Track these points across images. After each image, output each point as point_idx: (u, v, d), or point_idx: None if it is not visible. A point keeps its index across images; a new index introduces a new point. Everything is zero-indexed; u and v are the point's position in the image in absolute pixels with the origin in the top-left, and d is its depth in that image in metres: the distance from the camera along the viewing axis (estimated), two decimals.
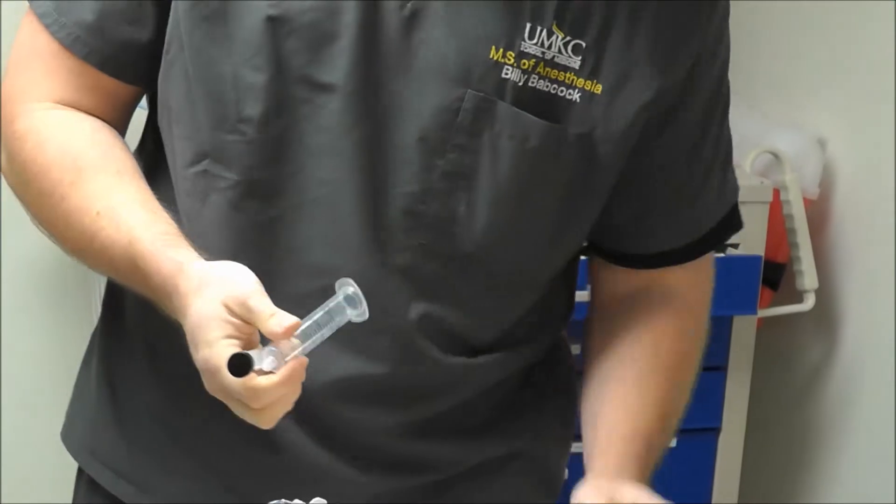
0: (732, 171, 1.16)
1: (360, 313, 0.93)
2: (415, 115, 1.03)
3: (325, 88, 1.02)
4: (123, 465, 1.15)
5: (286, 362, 0.92)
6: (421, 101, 1.03)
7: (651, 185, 1.12)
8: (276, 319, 0.92)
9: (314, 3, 1.00)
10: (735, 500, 1.99)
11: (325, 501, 0.91)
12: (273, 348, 0.90)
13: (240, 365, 0.88)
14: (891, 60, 1.84)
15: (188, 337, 0.97)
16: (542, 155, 1.05)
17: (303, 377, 0.94)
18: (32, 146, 1.07)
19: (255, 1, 1.01)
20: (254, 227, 1.04)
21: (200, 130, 1.06)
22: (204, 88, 1.04)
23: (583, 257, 1.22)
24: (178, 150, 1.08)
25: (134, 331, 1.15)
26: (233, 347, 0.93)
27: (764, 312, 1.90)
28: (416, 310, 1.05)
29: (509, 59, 1.03)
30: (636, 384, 1.14)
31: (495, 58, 1.02)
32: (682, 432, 1.86)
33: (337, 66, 1.01)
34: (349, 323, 0.97)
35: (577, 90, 1.04)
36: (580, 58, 1.04)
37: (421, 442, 1.10)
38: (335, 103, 1.02)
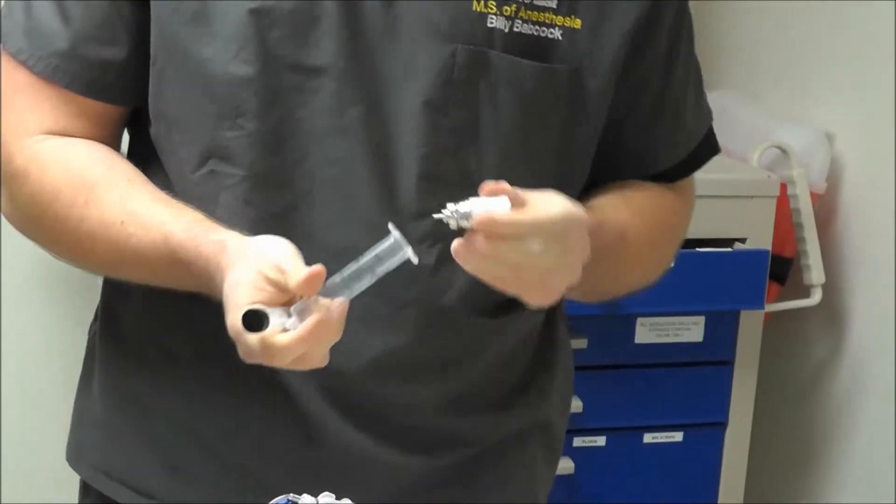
0: (705, 97, 1.21)
1: (414, 253, 0.93)
2: (412, 80, 1.05)
3: (316, 72, 1.04)
4: (144, 479, 1.15)
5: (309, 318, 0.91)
6: (415, 65, 1.05)
7: (634, 107, 1.16)
8: (303, 272, 0.93)
9: None
10: (742, 495, 1.99)
11: (333, 496, 0.91)
12: (300, 305, 0.90)
13: (253, 320, 0.88)
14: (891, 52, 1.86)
15: (225, 307, 0.98)
16: (539, 96, 1.08)
17: (331, 331, 0.94)
18: (36, 177, 1.09)
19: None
20: (268, 219, 1.05)
21: (201, 132, 1.07)
22: (198, 90, 1.06)
23: None
24: (182, 157, 1.10)
25: (143, 342, 1.15)
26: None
27: (771, 307, 1.90)
28: (439, 274, 1.07)
29: (491, 8, 1.05)
30: (627, 206, 1.16)
31: (478, 9, 1.04)
32: (689, 427, 1.89)
33: (324, 48, 1.03)
34: (375, 298, 1.00)
35: (557, 28, 1.07)
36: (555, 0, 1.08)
37: (457, 417, 1.11)
38: (329, 84, 1.04)
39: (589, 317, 1.73)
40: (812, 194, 1.88)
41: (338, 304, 0.93)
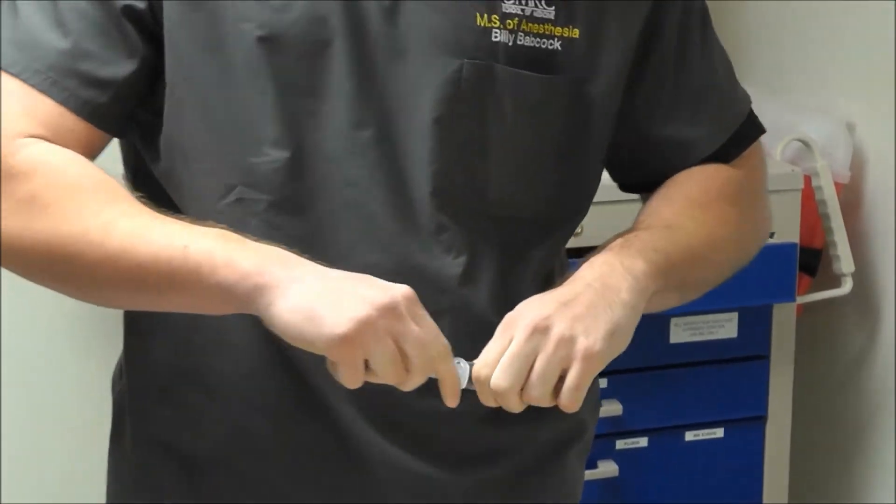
0: (737, 82, 1.19)
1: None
2: (420, 97, 1.05)
3: (328, 95, 1.04)
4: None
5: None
6: (422, 82, 1.05)
7: (657, 104, 1.16)
8: None
9: (299, 15, 1.02)
10: (786, 488, 1.98)
11: None
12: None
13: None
14: None
15: (316, 286, 0.97)
16: (542, 107, 1.08)
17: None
18: (41, 176, 1.04)
19: (244, 25, 1.03)
20: (295, 242, 1.02)
21: (226, 160, 1.07)
22: (220, 119, 1.05)
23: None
24: (204, 188, 1.09)
25: (173, 391, 1.14)
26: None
27: (803, 299, 1.91)
28: (467, 283, 1.07)
29: (495, 22, 1.05)
30: (678, 204, 1.15)
31: (482, 24, 1.04)
32: (729, 423, 1.89)
33: (334, 71, 1.03)
34: (420, 298, 1.00)
35: (556, 39, 1.07)
36: (553, 7, 1.06)
37: (497, 428, 1.10)
38: (341, 107, 1.03)
39: None
40: (836, 184, 1.88)
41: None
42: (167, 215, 1.02)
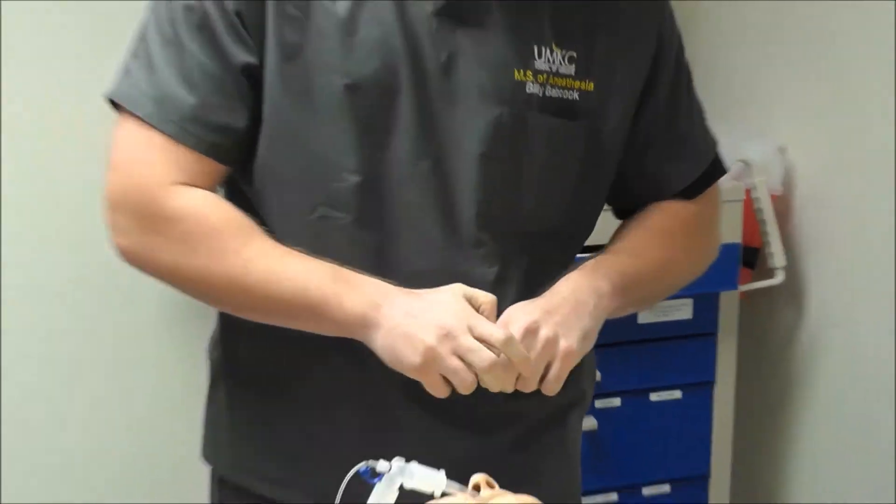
0: (709, 129, 1.27)
1: None
2: (468, 137, 1.12)
3: (395, 132, 1.11)
4: (266, 469, 1.20)
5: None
6: (471, 125, 1.12)
7: (650, 143, 1.22)
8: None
9: (376, 67, 1.09)
10: (730, 436, 2.17)
11: (403, 460, 0.95)
12: None
13: None
14: (831, 81, 2.03)
15: (406, 314, 1.06)
16: (564, 146, 1.16)
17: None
18: (195, 219, 1.10)
19: (332, 75, 1.09)
20: (369, 252, 1.12)
21: (312, 184, 1.13)
22: (308, 150, 1.12)
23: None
24: (290, 206, 1.14)
25: (257, 367, 1.21)
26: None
27: (744, 287, 2.07)
28: (496, 284, 1.15)
29: (529, 77, 1.14)
30: (644, 234, 1.23)
31: (518, 78, 1.13)
32: (685, 386, 2.04)
33: (401, 114, 1.11)
34: None
35: (575, 90, 1.15)
36: (573, 66, 1.14)
37: (515, 400, 1.14)
38: (405, 143, 1.11)
39: None
40: (772, 196, 2.05)
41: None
42: (293, 250, 1.09)
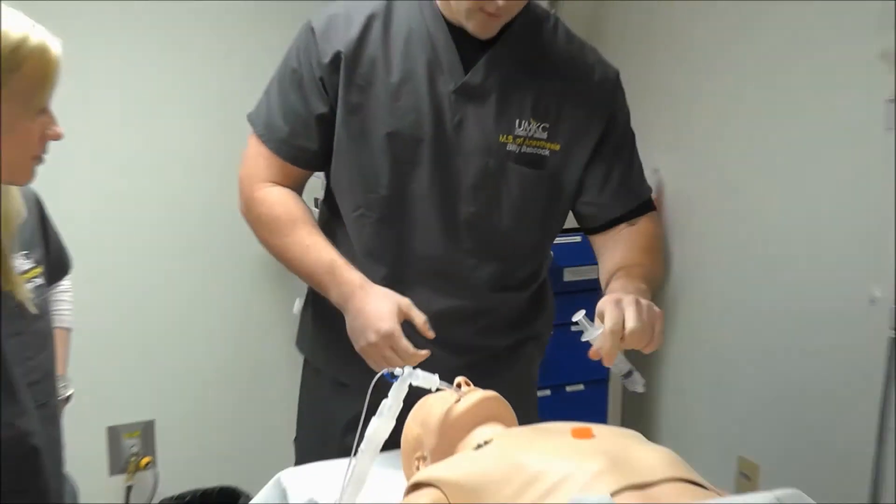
0: (645, 181, 1.42)
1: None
2: (466, 174, 1.29)
3: (418, 166, 1.29)
4: (333, 356, 1.42)
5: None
6: (468, 167, 1.29)
7: (603, 185, 1.35)
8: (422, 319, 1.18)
9: (410, 122, 1.27)
10: (620, 412, 2.56)
11: (412, 368, 1.08)
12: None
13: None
14: (687, 126, 2.38)
15: (357, 311, 1.20)
16: (534, 187, 1.31)
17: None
18: (267, 206, 1.34)
19: (379, 125, 1.28)
20: (391, 242, 1.33)
21: (356, 193, 1.33)
22: (357, 172, 1.31)
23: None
24: (345, 206, 1.35)
25: (328, 306, 1.38)
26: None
27: None
28: (479, 269, 1.32)
29: (510, 140, 1.29)
30: (630, 250, 1.35)
31: (503, 140, 1.29)
32: (585, 383, 2.40)
33: (424, 154, 1.28)
34: (444, 281, 1.25)
35: (546, 149, 1.30)
36: (546, 133, 1.29)
37: (486, 337, 1.36)
38: (423, 173, 1.29)
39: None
40: None
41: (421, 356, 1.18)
42: (318, 241, 1.28)
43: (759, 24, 2.16)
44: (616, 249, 1.37)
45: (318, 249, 1.31)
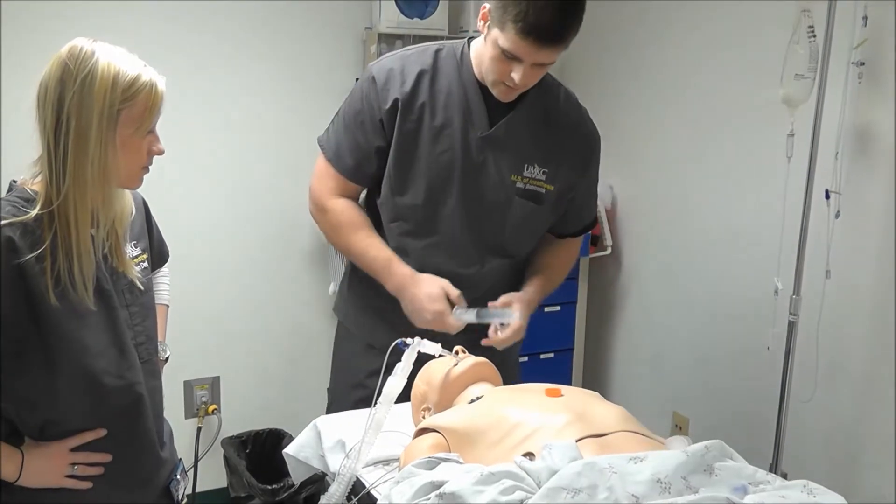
0: (595, 208, 1.76)
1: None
2: (483, 203, 1.57)
3: (449, 189, 1.56)
4: (364, 324, 1.69)
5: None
6: (486, 195, 1.56)
7: (569, 209, 1.67)
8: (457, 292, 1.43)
9: (446, 160, 1.52)
10: (584, 331, 2.92)
11: (420, 338, 1.25)
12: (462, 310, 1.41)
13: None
14: (635, 149, 2.71)
15: (412, 297, 1.46)
16: (532, 216, 1.61)
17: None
18: (334, 214, 1.60)
19: (421, 158, 1.52)
20: (421, 253, 1.60)
21: (397, 206, 1.60)
22: (400, 188, 1.57)
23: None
24: (386, 216, 1.62)
25: (367, 279, 1.65)
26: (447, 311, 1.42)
27: (591, 255, 2.84)
28: (479, 277, 1.61)
29: (519, 180, 1.57)
30: (555, 257, 1.71)
31: (514, 180, 1.57)
32: (555, 351, 2.76)
33: (454, 184, 1.55)
34: (457, 277, 1.46)
35: (543, 188, 1.58)
36: (545, 176, 1.56)
37: (477, 300, 1.59)
38: (451, 199, 1.56)
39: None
40: (605, 209, 2.82)
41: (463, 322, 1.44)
42: (375, 242, 1.53)
43: (693, 78, 2.57)
44: (548, 254, 1.75)
45: (376, 248, 1.63)
